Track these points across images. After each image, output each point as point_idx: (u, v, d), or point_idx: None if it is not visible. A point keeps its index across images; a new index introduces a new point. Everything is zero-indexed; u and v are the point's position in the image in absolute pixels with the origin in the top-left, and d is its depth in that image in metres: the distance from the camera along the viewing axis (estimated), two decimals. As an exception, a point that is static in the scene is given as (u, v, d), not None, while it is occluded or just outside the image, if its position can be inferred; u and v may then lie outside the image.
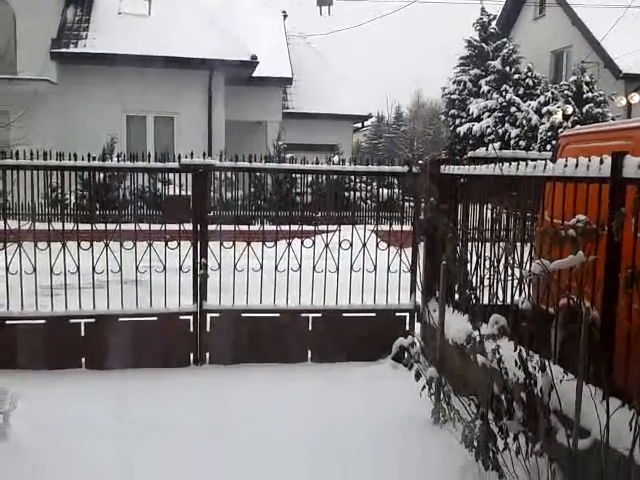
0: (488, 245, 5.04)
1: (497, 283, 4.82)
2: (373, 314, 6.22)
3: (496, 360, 3.69)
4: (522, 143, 19.87)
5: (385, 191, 14.06)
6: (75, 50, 17.35)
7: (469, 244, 5.43)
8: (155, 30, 17.71)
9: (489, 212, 5.25)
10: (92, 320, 5.84)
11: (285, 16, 24.05)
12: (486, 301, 4.81)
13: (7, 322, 5.74)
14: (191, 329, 6.01)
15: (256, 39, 19.18)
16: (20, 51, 16.84)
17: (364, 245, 6.15)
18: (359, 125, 26.46)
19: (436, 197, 5.90)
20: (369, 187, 14.72)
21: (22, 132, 15.26)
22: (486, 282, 4.92)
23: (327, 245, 6.08)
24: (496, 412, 3.62)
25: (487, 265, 4.99)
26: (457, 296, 5.33)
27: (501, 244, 4.83)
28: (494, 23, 24.22)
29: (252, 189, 13.56)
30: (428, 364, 4.60)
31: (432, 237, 5.95)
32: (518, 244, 4.59)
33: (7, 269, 5.68)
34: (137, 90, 17.22)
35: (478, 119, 21.71)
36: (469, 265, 5.13)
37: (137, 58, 16.85)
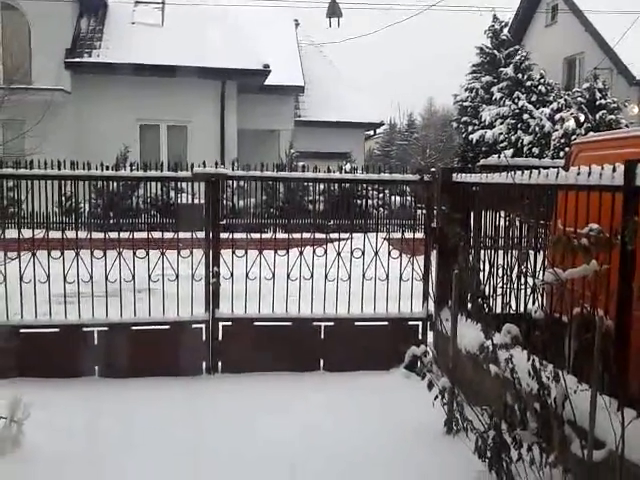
0: (501, 253, 5.02)
1: (510, 292, 4.79)
2: (385, 323, 6.20)
3: (509, 370, 3.66)
4: (535, 150, 19.81)
5: (397, 199, 14.06)
6: (89, 60, 17.53)
7: (482, 252, 5.41)
8: (168, 40, 17.85)
9: (502, 220, 5.23)
10: (105, 329, 5.86)
11: (297, 25, 24.15)
12: (499, 310, 4.79)
13: (21, 330, 5.77)
14: (203, 338, 6.01)
15: (268, 48, 19.27)
16: (35, 61, 17.03)
17: (376, 253, 6.14)
18: (371, 133, 26.49)
19: (448, 205, 5.89)
20: (381, 195, 14.71)
21: (36, 141, 15.39)
22: (499, 291, 4.90)
23: (339, 254, 6.08)
24: (509, 422, 3.60)
25: (500, 274, 4.97)
26: (470, 305, 5.31)
27: (514, 252, 4.81)
28: (506, 30, 24.20)
29: (264, 197, 13.58)
30: (441, 373, 4.58)
31: (444, 245, 5.94)
32: (531, 252, 4.57)
33: (21, 278, 5.72)
34: (150, 99, 17.34)
35: (490, 126, 21.67)
36: (482, 274, 5.11)
37: (150, 67, 17.01)
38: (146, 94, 17.29)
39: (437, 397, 4.42)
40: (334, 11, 9.86)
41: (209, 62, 17.42)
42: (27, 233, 5.89)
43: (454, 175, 5.95)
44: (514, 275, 4.69)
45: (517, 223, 4.97)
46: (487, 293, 4.85)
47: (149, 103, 17.39)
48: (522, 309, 4.58)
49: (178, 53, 17.23)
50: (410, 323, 6.26)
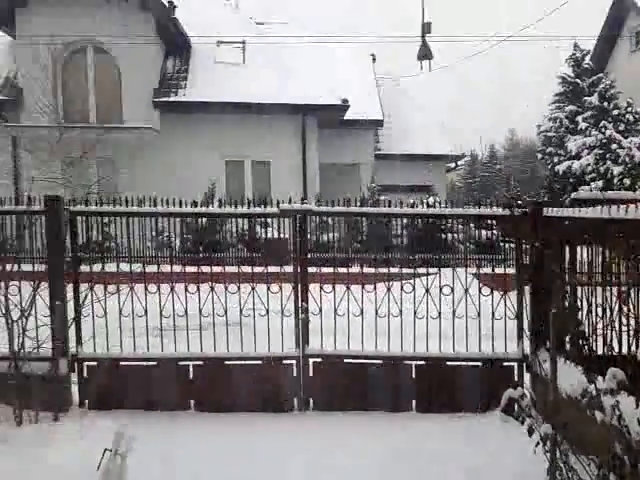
0: (600, 291, 4.83)
1: (612, 332, 4.60)
2: (479, 363, 6.04)
3: (616, 417, 3.50)
4: (626, 181, 19.09)
5: (483, 233, 13.82)
6: (175, 99, 18.21)
7: (579, 290, 5.22)
8: (250, 77, 18.39)
9: (599, 256, 5.05)
10: (200, 363, 5.99)
11: (374, 59, 24.43)
12: (601, 351, 4.60)
13: (120, 363, 5.98)
14: (294, 374, 6.04)
15: (347, 83, 19.57)
16: (125, 102, 17.87)
17: (466, 291, 6.03)
18: (452, 165, 26.29)
19: (540, 241, 5.75)
20: (465, 228, 14.52)
21: (127, 179, 16.13)
22: (600, 331, 4.71)
23: (427, 290, 6.01)
24: (619, 474, 3.43)
25: (600, 313, 4.78)
26: (569, 346, 5.12)
27: (614, 291, 4.63)
28: (588, 58, 23.66)
29: (347, 231, 13.70)
30: (541, 418, 4.42)
31: (538, 282, 5.78)
32: (633, 291, 4.39)
33: (120, 311, 5.94)
34: (235, 136, 17.85)
35: (577, 157, 21.07)
36: (581, 313, 4.93)
37: (233, 105, 17.54)
38: (230, 131, 17.82)
39: (538, 444, 4.26)
40: (425, 53, 9.91)
41: (289, 98, 17.82)
42: (122, 267, 6.13)
43: (545, 209, 5.81)
44: (615, 314, 4.51)
45: (616, 259, 4.79)
46: (587, 334, 4.68)
47: (233, 140, 17.89)
48: (626, 351, 4.38)
49: (259, 90, 17.71)
50: (505, 364, 6.05)
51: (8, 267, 5.50)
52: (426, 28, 10.37)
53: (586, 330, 4.76)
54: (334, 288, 6.08)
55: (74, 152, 15.96)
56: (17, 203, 6.26)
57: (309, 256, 6.23)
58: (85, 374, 5.94)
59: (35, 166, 15.25)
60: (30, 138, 16.28)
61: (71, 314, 5.84)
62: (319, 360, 6.05)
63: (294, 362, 6.04)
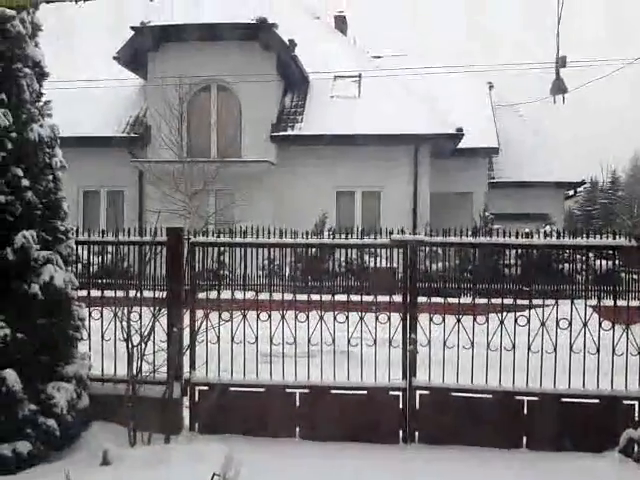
0: None
1: None
2: (596, 400, 5.71)
3: None
4: None
5: (603, 263, 13.10)
6: (292, 133, 18.72)
7: None
8: (364, 110, 18.57)
9: None
10: (306, 391, 6.04)
11: (491, 87, 24.05)
12: None
13: (230, 388, 6.11)
14: (400, 405, 5.97)
15: (462, 111, 19.36)
16: (245, 136, 18.54)
17: (585, 325, 5.74)
18: (571, 192, 25.25)
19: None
20: (584, 258, 13.82)
21: (243, 209, 16.70)
22: None
23: (543, 324, 5.78)
24: None
25: None
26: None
27: None
28: None
29: (457, 261, 13.41)
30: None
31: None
32: None
33: (232, 338, 6.12)
34: (347, 167, 18.05)
35: None
36: None
37: (347, 137, 17.79)
38: (343, 162, 18.03)
39: (662, 489, 3.97)
40: (559, 88, 9.55)
41: (402, 129, 17.85)
42: (235, 295, 6.32)
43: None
44: None
45: None
46: None
47: (345, 171, 18.09)
48: None
49: (373, 122, 17.85)
50: (625, 402, 5.69)
51: (131, 294, 5.84)
52: (561, 62, 9.95)
53: None
54: (444, 319, 5.99)
55: (195, 185, 16.74)
56: (141, 234, 6.64)
57: (418, 285, 6.19)
58: (197, 398, 6.14)
59: (159, 199, 16.12)
60: (155, 172, 17.25)
61: (186, 340, 6.07)
62: (426, 392, 5.95)
63: (400, 393, 5.98)
